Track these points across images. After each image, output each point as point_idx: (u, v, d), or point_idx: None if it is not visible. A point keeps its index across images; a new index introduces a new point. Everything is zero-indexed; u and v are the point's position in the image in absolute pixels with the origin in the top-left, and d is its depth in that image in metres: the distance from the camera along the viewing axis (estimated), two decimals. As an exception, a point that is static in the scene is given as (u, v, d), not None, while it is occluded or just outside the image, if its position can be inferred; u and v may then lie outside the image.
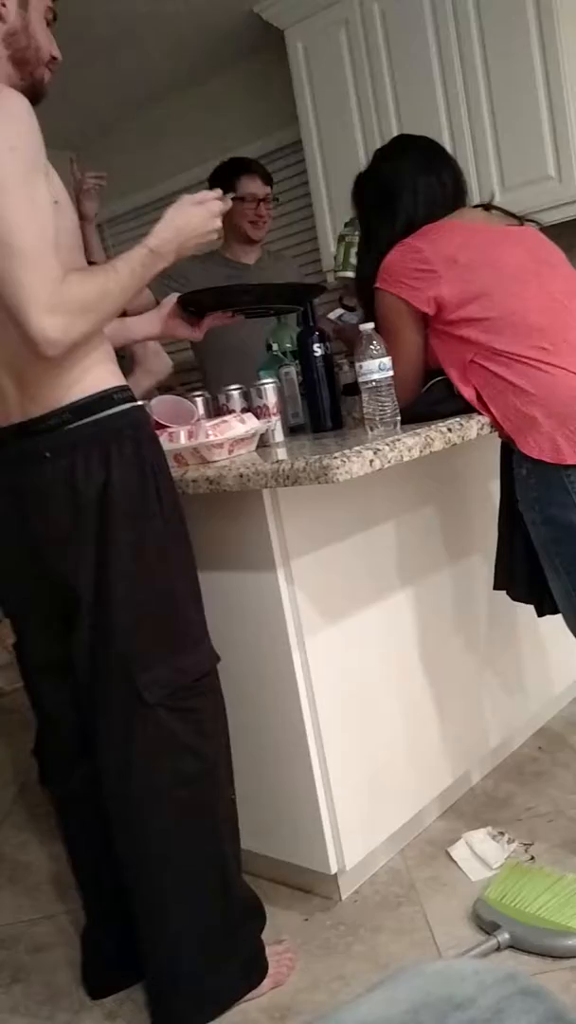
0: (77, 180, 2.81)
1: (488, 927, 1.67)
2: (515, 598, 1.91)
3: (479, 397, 1.76)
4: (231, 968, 1.60)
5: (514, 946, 1.63)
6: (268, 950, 1.67)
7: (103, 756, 1.53)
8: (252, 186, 2.79)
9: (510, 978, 0.51)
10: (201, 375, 2.98)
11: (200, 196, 1.56)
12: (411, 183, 1.87)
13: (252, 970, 1.63)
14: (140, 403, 1.54)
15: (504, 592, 1.92)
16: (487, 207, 1.96)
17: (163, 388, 2.87)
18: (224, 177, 2.79)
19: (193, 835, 1.55)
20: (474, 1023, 0.47)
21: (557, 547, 1.72)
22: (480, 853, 1.92)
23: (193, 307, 1.85)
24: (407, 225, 1.84)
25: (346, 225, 2.21)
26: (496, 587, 1.91)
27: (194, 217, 1.53)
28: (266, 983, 1.64)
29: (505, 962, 1.62)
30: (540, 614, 1.89)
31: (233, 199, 2.75)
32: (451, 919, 1.75)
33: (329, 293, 3.67)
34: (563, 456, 1.65)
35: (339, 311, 2.23)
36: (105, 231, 4.77)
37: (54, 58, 1.50)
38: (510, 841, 1.94)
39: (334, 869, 1.83)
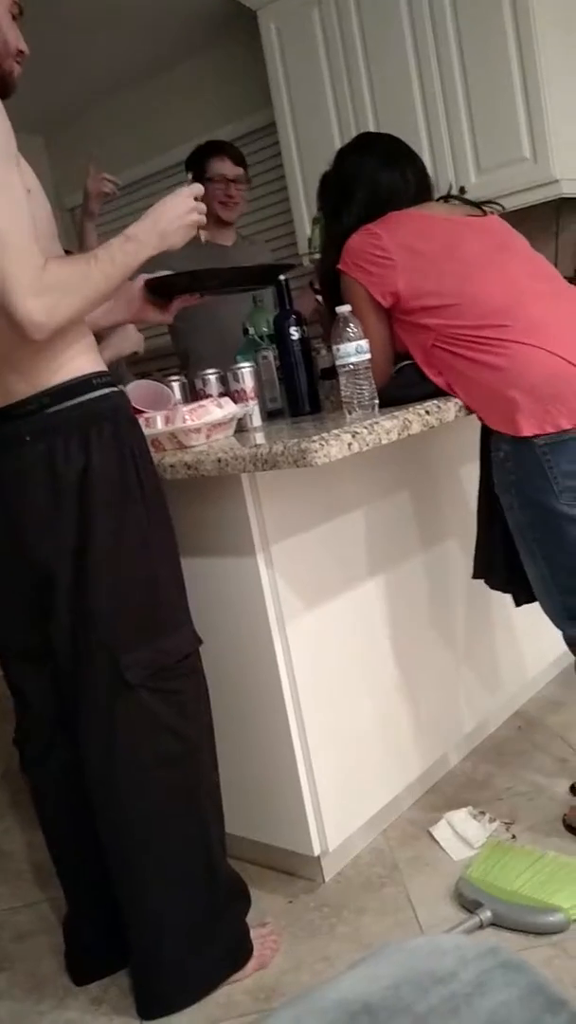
0: (95, 178, 2.76)
1: (470, 905, 1.68)
2: (493, 587, 1.91)
3: (445, 381, 1.77)
4: (216, 951, 1.61)
5: (496, 923, 1.64)
6: (252, 932, 1.67)
7: (85, 740, 1.53)
8: (220, 167, 2.79)
9: (491, 952, 0.51)
10: (180, 358, 2.96)
11: (176, 191, 1.60)
12: (372, 178, 1.88)
13: (237, 953, 1.64)
14: (120, 388, 1.53)
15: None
16: (447, 198, 1.97)
17: (140, 373, 2.86)
18: (195, 160, 2.82)
19: (177, 817, 1.55)
20: (456, 997, 0.48)
21: (533, 532, 1.72)
22: (461, 833, 1.93)
23: (160, 290, 1.83)
24: (366, 217, 1.85)
25: (320, 208, 2.20)
26: (475, 576, 1.92)
27: (167, 204, 1.56)
28: (250, 965, 1.64)
29: (487, 939, 1.63)
30: (517, 604, 1.90)
31: (202, 180, 2.77)
32: (434, 898, 1.77)
33: (304, 277, 3.65)
34: (519, 427, 1.65)
35: None
36: (78, 215, 4.71)
37: (21, 51, 1.50)
38: (491, 820, 1.96)
39: (317, 851, 1.84)
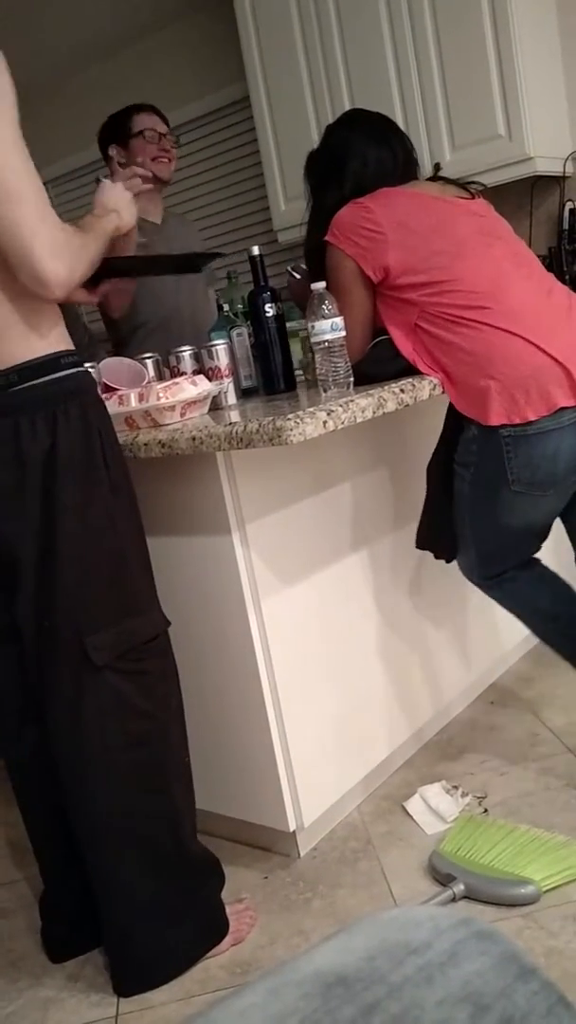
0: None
1: (443, 879, 1.71)
2: (439, 555, 1.97)
3: (421, 359, 1.78)
4: (189, 927, 1.62)
5: (469, 896, 1.66)
6: (228, 908, 1.68)
7: (53, 720, 1.53)
8: (149, 121, 2.60)
9: (464, 922, 0.52)
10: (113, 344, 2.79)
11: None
12: (360, 153, 1.87)
13: (212, 929, 1.65)
14: (87, 368, 1.53)
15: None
16: (437, 179, 1.96)
17: (111, 351, 2.82)
18: (114, 125, 2.62)
19: (145, 797, 1.55)
20: (430, 966, 0.48)
21: (471, 504, 1.79)
22: (435, 807, 1.95)
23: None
24: (355, 191, 1.84)
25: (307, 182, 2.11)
26: (419, 546, 1.96)
27: (105, 189, 1.67)
28: (227, 940, 1.66)
29: (461, 910, 1.66)
30: (448, 560, 1.97)
31: (127, 140, 2.58)
32: (408, 872, 1.79)
33: (279, 254, 3.62)
34: (487, 416, 1.68)
35: (298, 264, 2.21)
36: (49, 191, 4.65)
37: None
38: (464, 794, 1.98)
39: (292, 827, 1.85)
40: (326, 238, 1.83)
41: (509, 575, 1.91)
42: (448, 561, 1.96)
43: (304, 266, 2.13)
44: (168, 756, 1.59)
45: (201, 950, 1.63)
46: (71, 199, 4.60)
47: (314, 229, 1.91)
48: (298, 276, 2.14)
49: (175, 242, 2.65)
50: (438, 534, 1.91)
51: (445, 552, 1.95)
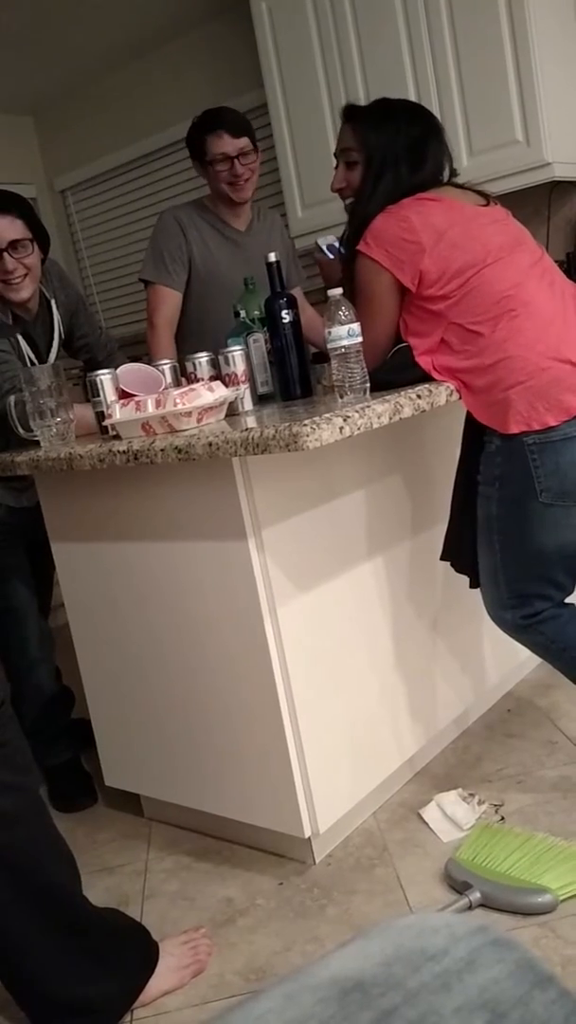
0: None
1: (460, 887, 1.70)
2: (458, 570, 1.96)
3: (436, 371, 1.78)
4: (109, 981, 1.52)
5: (485, 904, 1.66)
6: (183, 936, 1.64)
7: None
8: (219, 144, 2.52)
9: (481, 930, 0.52)
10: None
11: None
12: (435, 156, 1.86)
13: (132, 975, 1.57)
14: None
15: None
16: (454, 183, 1.96)
17: (132, 357, 2.84)
18: (193, 141, 2.60)
19: (26, 872, 1.43)
20: (447, 973, 0.48)
21: (500, 524, 1.76)
22: (451, 815, 1.95)
23: None
24: (409, 192, 1.83)
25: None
26: (443, 557, 1.96)
27: None
28: (186, 973, 1.60)
29: (478, 918, 1.65)
30: (472, 586, 1.95)
31: (204, 164, 2.58)
32: (423, 880, 1.78)
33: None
34: (507, 426, 1.68)
35: (329, 238, 2.13)
36: (68, 198, 4.68)
37: None
38: (480, 802, 1.97)
39: (307, 833, 1.85)
40: (358, 247, 1.81)
41: (549, 613, 1.81)
42: (472, 584, 1.95)
43: (333, 243, 2.08)
44: (43, 831, 1.46)
45: (124, 999, 1.54)
46: (89, 206, 4.63)
47: (349, 242, 1.87)
48: (331, 256, 2.05)
49: (260, 246, 2.64)
50: (458, 545, 1.91)
51: (464, 565, 1.93)
